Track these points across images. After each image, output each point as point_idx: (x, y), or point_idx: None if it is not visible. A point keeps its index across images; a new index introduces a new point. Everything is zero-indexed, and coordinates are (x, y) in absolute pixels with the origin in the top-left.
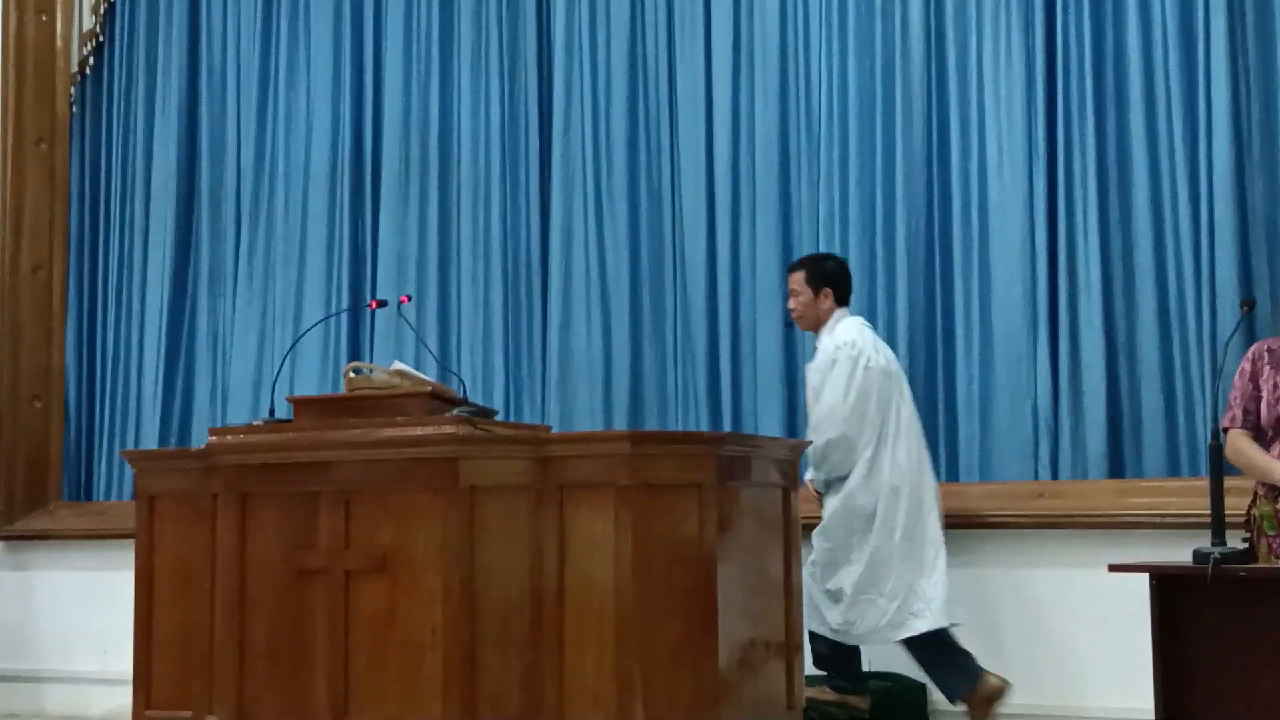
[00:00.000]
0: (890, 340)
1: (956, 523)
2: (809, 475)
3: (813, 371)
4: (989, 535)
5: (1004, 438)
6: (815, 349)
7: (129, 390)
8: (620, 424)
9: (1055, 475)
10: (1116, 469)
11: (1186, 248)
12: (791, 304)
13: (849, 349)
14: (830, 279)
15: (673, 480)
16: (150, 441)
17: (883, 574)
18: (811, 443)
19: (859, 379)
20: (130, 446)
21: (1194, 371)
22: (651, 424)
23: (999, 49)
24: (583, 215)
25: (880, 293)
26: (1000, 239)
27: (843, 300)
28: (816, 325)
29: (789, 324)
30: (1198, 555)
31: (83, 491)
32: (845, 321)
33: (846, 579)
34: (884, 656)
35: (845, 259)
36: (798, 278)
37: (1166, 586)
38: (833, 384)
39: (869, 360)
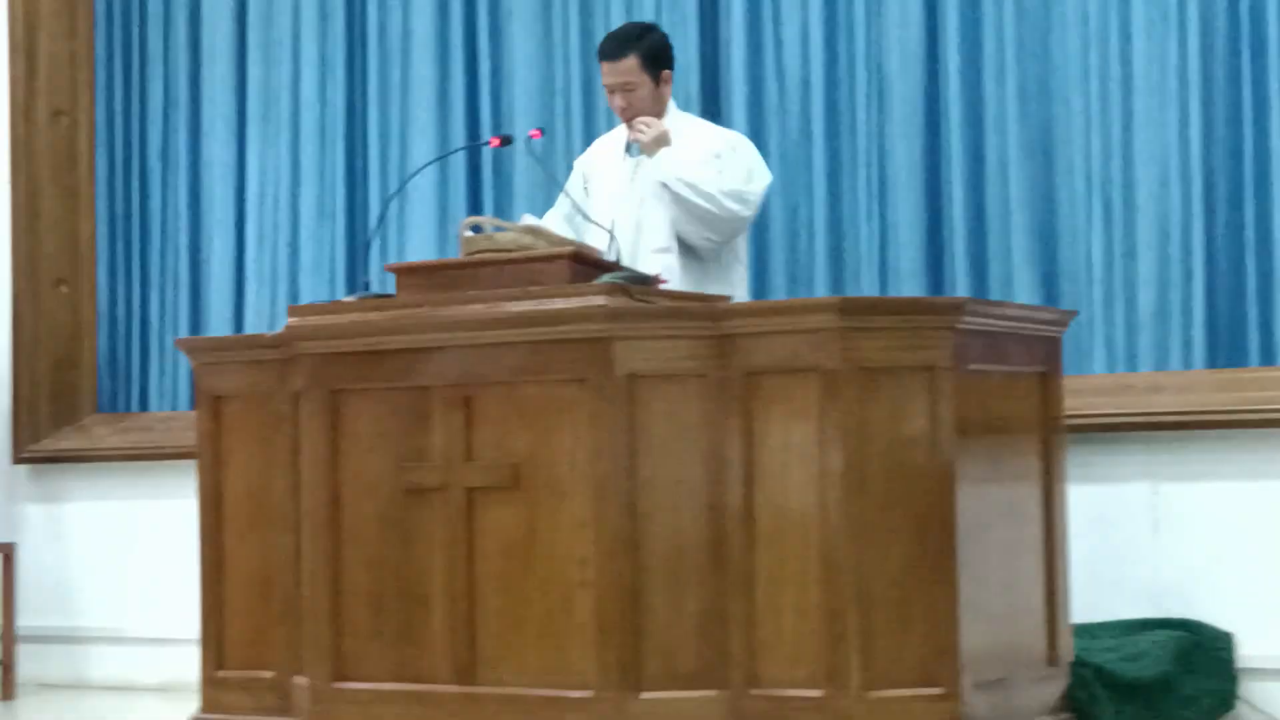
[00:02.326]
0: (1183, 174)
1: (1276, 418)
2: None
3: (670, 160)
4: None
5: None
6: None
7: (180, 267)
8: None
9: None
10: None
11: None
12: (623, 102)
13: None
14: (669, 58)
15: (896, 362)
16: (212, 332)
17: None
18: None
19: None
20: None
21: None
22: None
23: None
24: (774, 18)
25: (1172, 115)
26: None
27: None
28: None
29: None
30: None
31: (124, 400)
32: (690, 115)
33: None
34: (1182, 603)
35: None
36: (629, 65)
37: None
38: (751, 167)
39: None
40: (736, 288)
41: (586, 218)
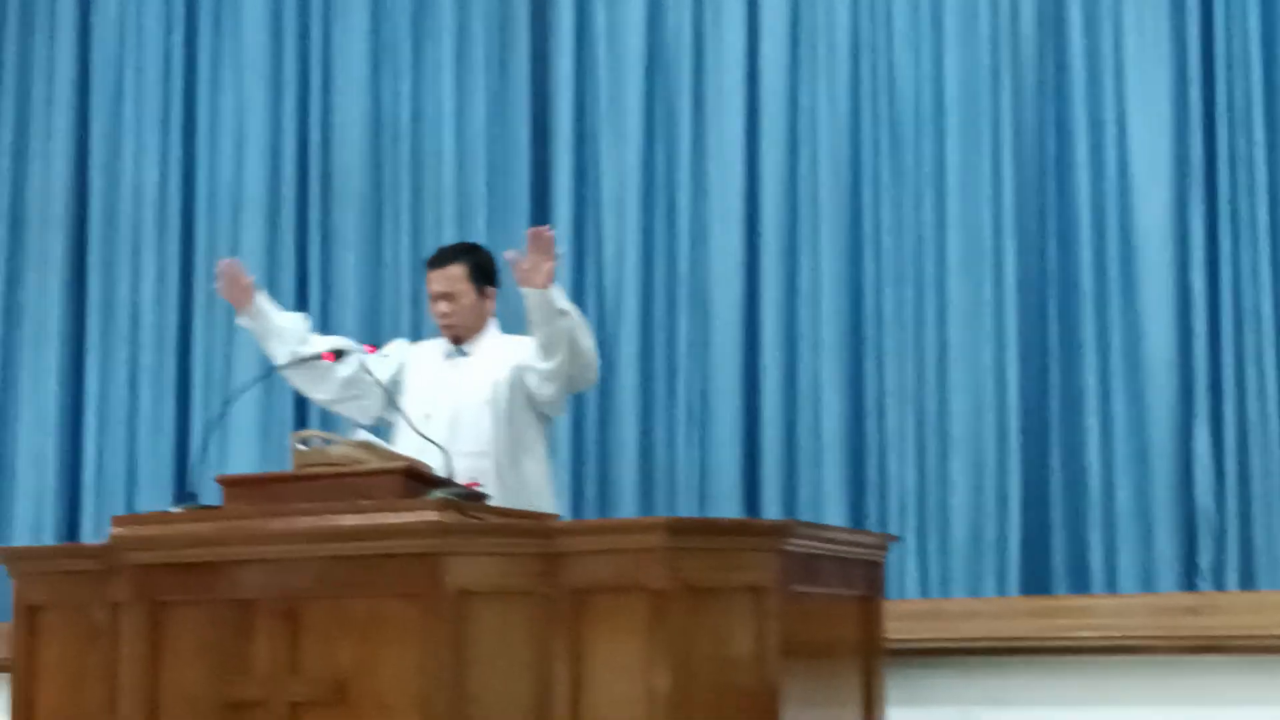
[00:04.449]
0: (999, 414)
1: (1086, 646)
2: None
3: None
4: (1127, 663)
5: (1148, 539)
6: (458, 351)
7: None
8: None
9: (1220, 585)
10: None
11: None
12: (446, 308)
13: None
14: (495, 276)
15: (722, 583)
16: (30, 541)
17: None
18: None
19: None
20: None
21: None
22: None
23: (1141, 30)
24: (595, 240)
25: (987, 349)
26: (1143, 282)
27: None
28: (471, 334)
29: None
30: None
31: None
32: (514, 336)
33: None
34: None
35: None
36: (456, 273)
37: None
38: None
39: None
40: (544, 492)
41: (419, 432)
